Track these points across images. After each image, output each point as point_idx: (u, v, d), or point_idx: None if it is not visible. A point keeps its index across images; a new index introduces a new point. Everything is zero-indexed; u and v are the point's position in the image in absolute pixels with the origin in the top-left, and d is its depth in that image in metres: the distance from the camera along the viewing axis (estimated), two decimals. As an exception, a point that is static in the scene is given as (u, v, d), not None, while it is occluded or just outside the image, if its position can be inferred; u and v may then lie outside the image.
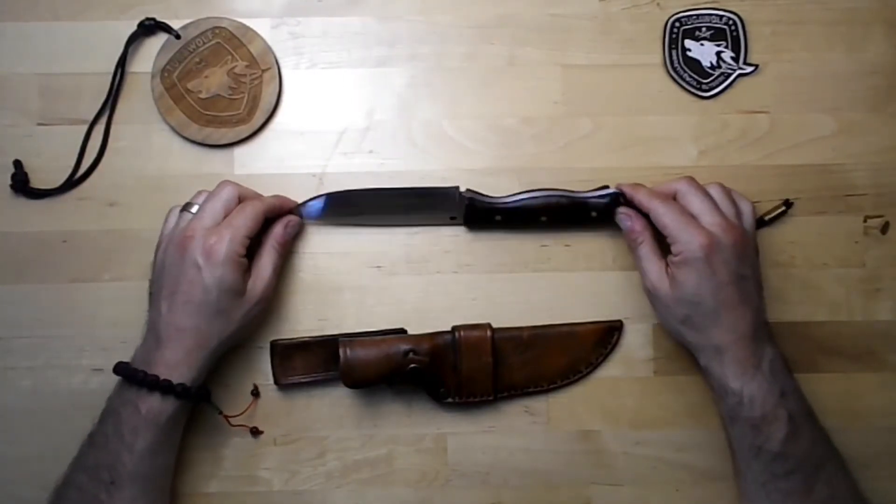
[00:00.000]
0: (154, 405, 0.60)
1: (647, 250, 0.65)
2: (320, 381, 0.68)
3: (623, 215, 0.67)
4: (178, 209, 0.66)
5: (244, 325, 0.64)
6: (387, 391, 0.68)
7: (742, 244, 0.62)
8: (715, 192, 0.65)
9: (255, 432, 0.68)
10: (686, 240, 0.61)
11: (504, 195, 0.68)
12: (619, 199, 0.67)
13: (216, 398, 0.66)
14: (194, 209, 0.65)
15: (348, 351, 0.65)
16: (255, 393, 0.68)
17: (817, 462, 0.61)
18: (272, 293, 0.66)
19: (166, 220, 0.66)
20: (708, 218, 0.62)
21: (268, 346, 0.68)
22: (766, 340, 0.63)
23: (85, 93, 0.70)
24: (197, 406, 0.65)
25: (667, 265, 0.64)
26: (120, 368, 0.62)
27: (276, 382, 0.68)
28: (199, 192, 0.66)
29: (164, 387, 0.60)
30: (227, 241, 0.62)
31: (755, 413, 0.61)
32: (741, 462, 0.63)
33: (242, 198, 0.65)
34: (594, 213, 0.68)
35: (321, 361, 0.68)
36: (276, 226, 0.67)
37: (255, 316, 0.65)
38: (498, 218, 0.68)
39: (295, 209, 0.68)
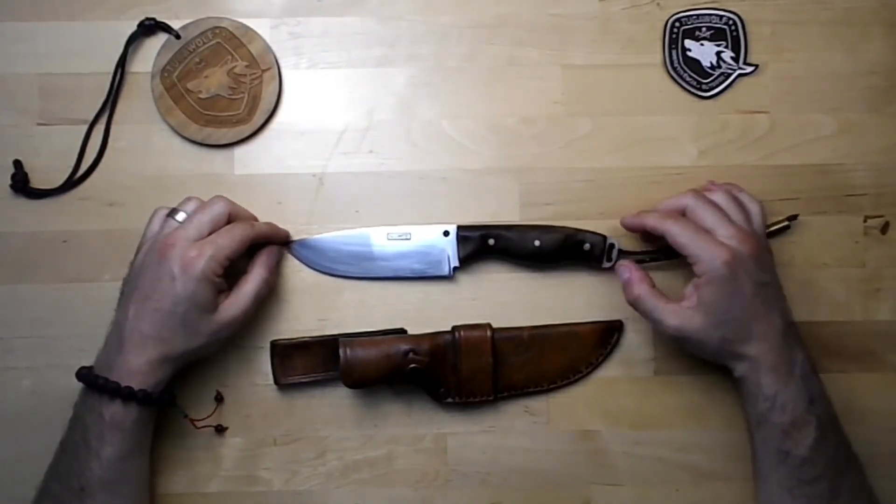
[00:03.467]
0: (117, 411, 0.60)
1: (653, 300, 0.63)
2: (320, 381, 0.68)
3: (622, 268, 0.66)
4: (164, 212, 0.65)
5: (211, 343, 0.63)
6: (387, 391, 0.68)
7: (759, 251, 0.62)
8: (722, 201, 0.64)
9: (220, 429, 0.68)
10: (708, 258, 0.61)
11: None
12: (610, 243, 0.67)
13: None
14: (180, 217, 0.64)
15: (348, 351, 0.65)
16: (219, 398, 0.68)
17: (842, 468, 0.62)
18: (246, 320, 0.65)
19: (150, 222, 0.66)
20: (723, 231, 0.62)
21: (268, 346, 0.68)
22: (796, 343, 0.63)
23: (85, 93, 0.70)
24: (163, 411, 0.65)
25: (682, 300, 0.63)
26: (82, 375, 0.62)
27: (276, 382, 0.68)
28: (188, 199, 0.65)
29: (125, 394, 0.60)
30: (206, 258, 0.61)
31: (785, 418, 0.61)
32: (765, 466, 0.63)
33: (233, 216, 0.65)
34: (587, 246, 0.68)
35: (321, 361, 0.67)
36: (261, 255, 0.66)
37: (224, 336, 0.64)
38: (491, 242, 0.68)
39: (287, 244, 0.68)
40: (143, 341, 0.61)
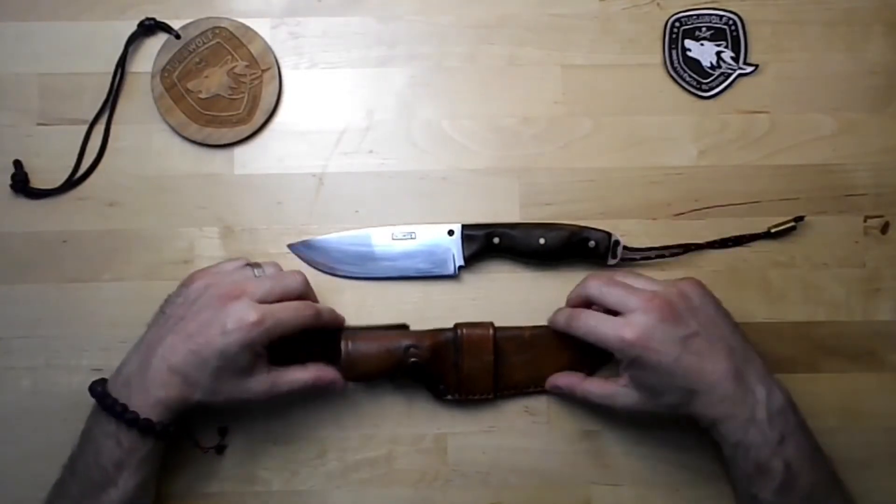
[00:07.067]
0: (135, 440, 0.59)
1: (596, 393, 0.64)
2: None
3: (554, 389, 0.67)
4: (245, 262, 0.64)
5: (229, 403, 0.61)
6: (387, 391, 0.68)
7: (670, 307, 0.60)
8: (619, 275, 0.64)
9: (220, 449, 0.67)
10: (616, 345, 0.60)
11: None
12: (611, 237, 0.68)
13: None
14: (258, 272, 0.63)
15: (350, 344, 0.65)
16: (223, 433, 0.67)
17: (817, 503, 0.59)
18: (271, 403, 0.63)
19: (229, 261, 0.64)
20: (627, 303, 0.60)
21: (268, 346, 0.68)
22: (758, 381, 0.60)
23: (85, 93, 0.70)
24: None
25: (619, 378, 0.63)
26: (98, 394, 0.60)
27: (276, 378, 0.68)
28: (273, 264, 0.64)
29: (143, 426, 0.58)
30: (263, 330, 0.58)
31: (749, 464, 0.59)
32: (741, 502, 0.62)
33: (304, 295, 0.63)
34: (592, 244, 0.68)
35: (322, 355, 0.67)
36: (328, 371, 0.64)
37: (242, 403, 0.61)
38: (496, 241, 0.68)
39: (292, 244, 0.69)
40: (169, 377, 0.59)
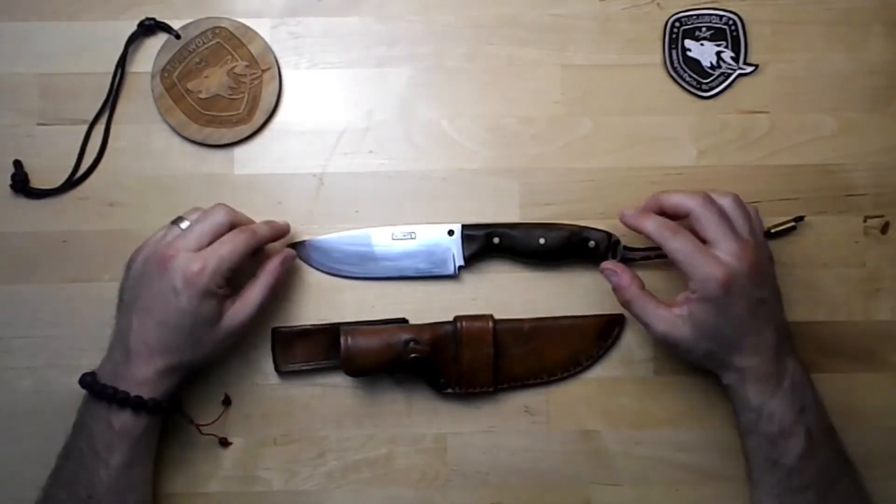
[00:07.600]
0: (126, 421, 0.60)
1: (642, 304, 0.63)
2: (321, 368, 0.68)
3: (608, 271, 0.65)
4: (170, 222, 0.64)
5: (217, 350, 0.63)
6: (387, 390, 0.68)
7: (758, 267, 0.60)
8: (729, 206, 0.62)
9: (224, 443, 0.67)
10: (703, 278, 0.59)
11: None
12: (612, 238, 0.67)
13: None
14: (184, 224, 0.63)
15: (349, 339, 0.65)
16: (227, 402, 0.68)
17: (833, 477, 0.61)
18: (251, 326, 0.64)
19: (159, 231, 0.65)
20: (724, 245, 0.60)
21: (268, 346, 0.68)
22: (788, 354, 0.62)
23: (85, 93, 0.70)
24: (171, 417, 0.65)
25: (673, 305, 0.62)
26: (87, 383, 0.61)
27: (276, 369, 0.68)
28: (194, 209, 0.65)
29: (134, 404, 0.59)
30: (209, 273, 0.60)
31: (773, 428, 0.60)
32: (756, 473, 0.63)
33: (235, 224, 0.63)
34: (592, 244, 0.68)
35: (322, 349, 0.68)
36: (272, 260, 0.65)
37: (229, 343, 0.63)
38: (496, 240, 0.68)
39: (294, 246, 0.68)
40: (150, 352, 0.60)
